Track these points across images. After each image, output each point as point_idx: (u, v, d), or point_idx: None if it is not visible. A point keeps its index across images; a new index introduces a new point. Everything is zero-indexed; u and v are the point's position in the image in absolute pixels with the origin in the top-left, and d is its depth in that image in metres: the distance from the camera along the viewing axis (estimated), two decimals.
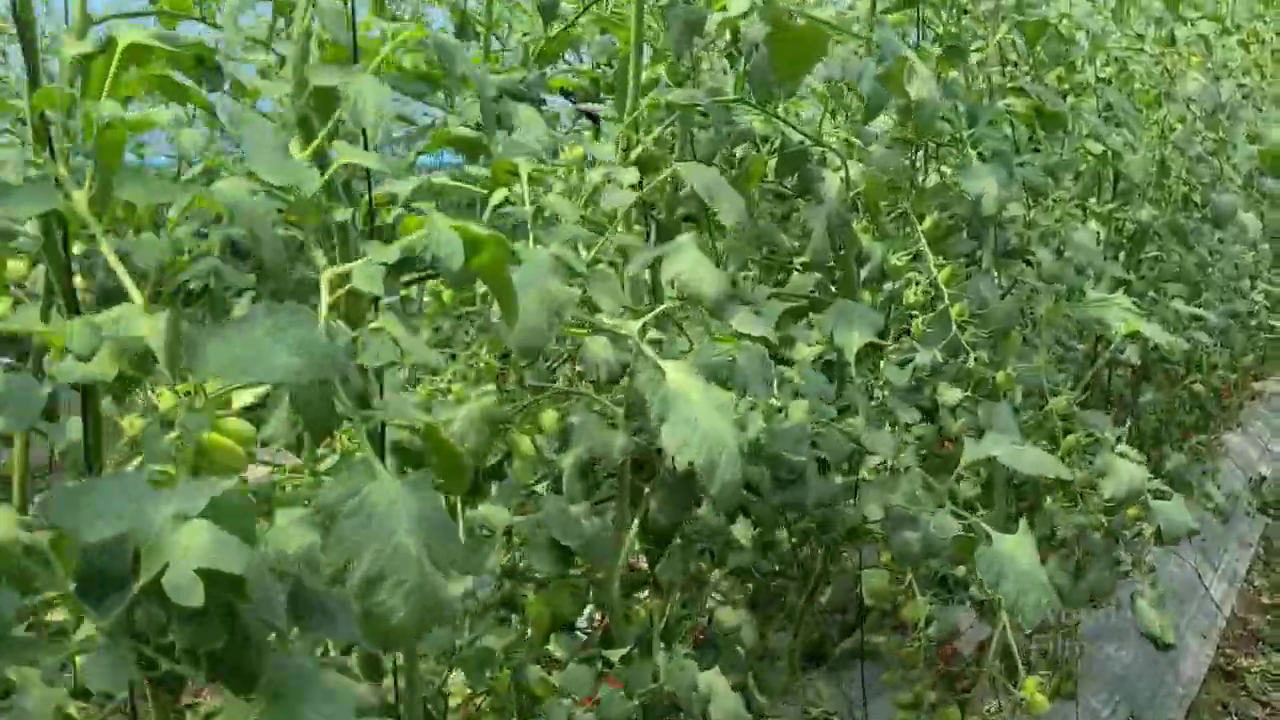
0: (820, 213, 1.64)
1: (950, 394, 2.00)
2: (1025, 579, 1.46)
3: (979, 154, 1.87)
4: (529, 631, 1.83)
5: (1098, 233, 3.48)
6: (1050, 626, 3.01)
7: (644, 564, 1.94)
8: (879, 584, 2.11)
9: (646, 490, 1.73)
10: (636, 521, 1.88)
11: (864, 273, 1.97)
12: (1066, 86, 2.62)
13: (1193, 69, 2.97)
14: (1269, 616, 5.15)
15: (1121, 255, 4.11)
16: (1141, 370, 3.58)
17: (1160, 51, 3.07)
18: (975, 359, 1.93)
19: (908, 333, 2.09)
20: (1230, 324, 3.94)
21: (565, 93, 2.74)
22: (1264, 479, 6.48)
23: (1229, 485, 6.25)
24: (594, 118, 2.59)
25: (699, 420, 1.02)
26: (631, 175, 1.25)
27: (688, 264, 1.15)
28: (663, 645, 1.79)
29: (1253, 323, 4.36)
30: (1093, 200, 3.76)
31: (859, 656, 2.36)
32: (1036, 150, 3.50)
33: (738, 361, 1.39)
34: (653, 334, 1.15)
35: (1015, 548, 1.48)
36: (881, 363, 2.04)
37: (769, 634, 2.12)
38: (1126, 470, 2.04)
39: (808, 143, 1.65)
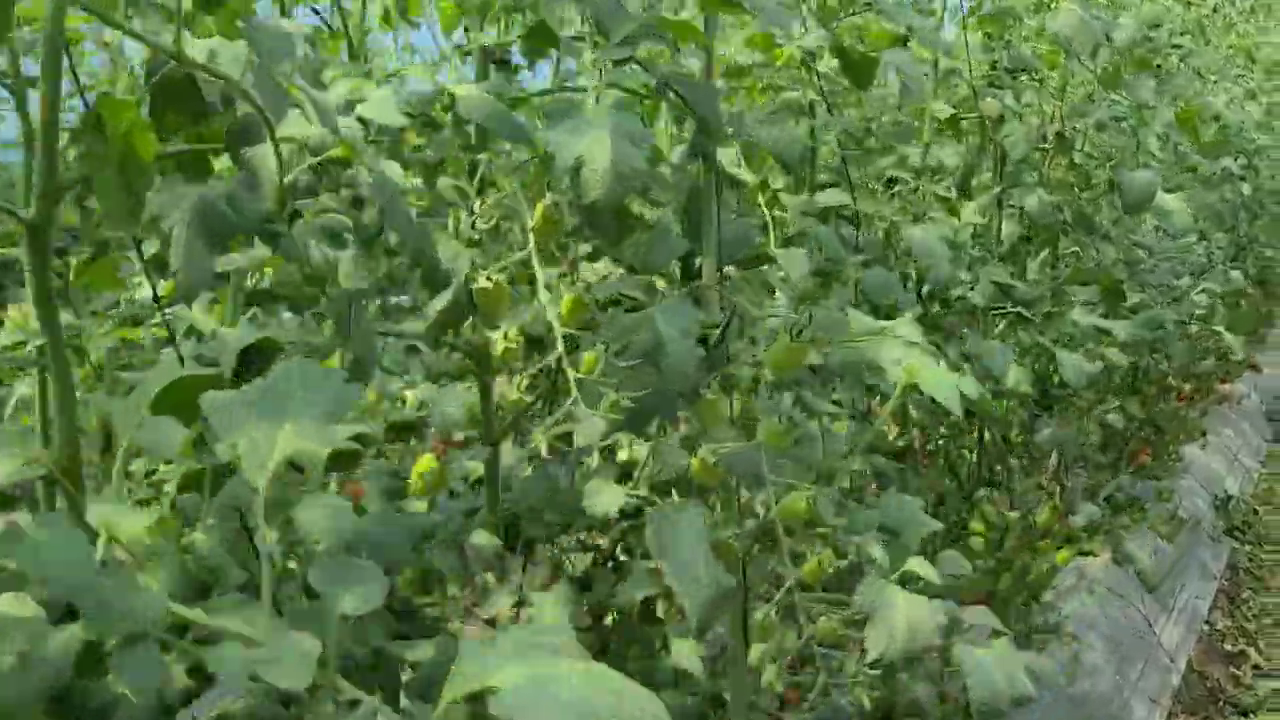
0: (176, 202, 0.81)
1: (601, 497, 1.18)
2: None
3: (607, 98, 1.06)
4: None
5: (972, 226, 2.65)
6: None
7: None
8: None
9: None
10: None
11: (447, 297, 1.15)
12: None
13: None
14: (1232, 668, 4.31)
15: (1036, 253, 3.30)
16: (1042, 399, 2.75)
17: None
18: (630, 438, 1.12)
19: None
20: (1165, 332, 3.11)
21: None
22: (1230, 498, 5.64)
23: (1190, 505, 5.40)
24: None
25: None
26: None
27: None
28: None
29: (1192, 329, 3.54)
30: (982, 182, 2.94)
31: None
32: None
33: None
34: None
35: None
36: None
37: None
38: (904, 611, 1.22)
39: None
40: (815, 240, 1.76)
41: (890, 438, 2.82)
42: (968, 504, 3.14)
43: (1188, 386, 5.22)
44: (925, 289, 2.45)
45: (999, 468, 3.34)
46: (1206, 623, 4.62)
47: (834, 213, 2.13)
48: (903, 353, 1.30)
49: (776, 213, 2.09)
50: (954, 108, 2.71)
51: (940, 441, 3.19)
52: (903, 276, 2.40)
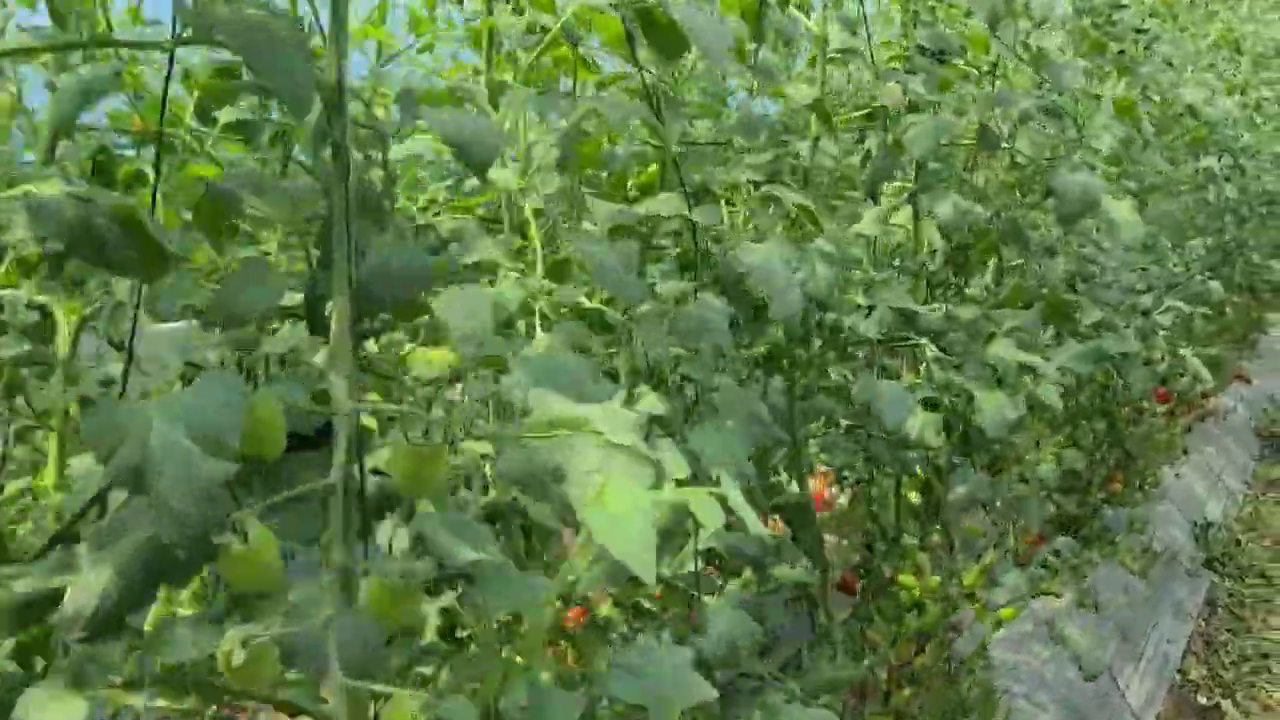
0: None
1: (47, 714, 0.70)
2: None
3: None
4: None
5: (868, 240, 2.18)
6: None
7: None
8: None
9: None
10: None
11: None
12: None
13: None
14: None
15: (978, 268, 2.81)
16: (960, 447, 2.27)
17: None
18: None
19: None
20: (1113, 361, 2.63)
21: None
22: (1210, 524, 5.14)
23: (1165, 535, 4.88)
24: None
25: None
26: None
27: None
28: None
29: (1157, 354, 3.05)
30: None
31: None
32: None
33: None
34: None
35: None
36: None
37: None
38: None
39: None
40: (598, 268, 1.27)
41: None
42: (896, 548, 2.67)
43: (1161, 408, 4.74)
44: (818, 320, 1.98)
45: (941, 501, 2.88)
46: (1179, 671, 4.13)
47: (692, 227, 1.65)
48: (602, 460, 0.81)
49: (588, 226, 1.61)
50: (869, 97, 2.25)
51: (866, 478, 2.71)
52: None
